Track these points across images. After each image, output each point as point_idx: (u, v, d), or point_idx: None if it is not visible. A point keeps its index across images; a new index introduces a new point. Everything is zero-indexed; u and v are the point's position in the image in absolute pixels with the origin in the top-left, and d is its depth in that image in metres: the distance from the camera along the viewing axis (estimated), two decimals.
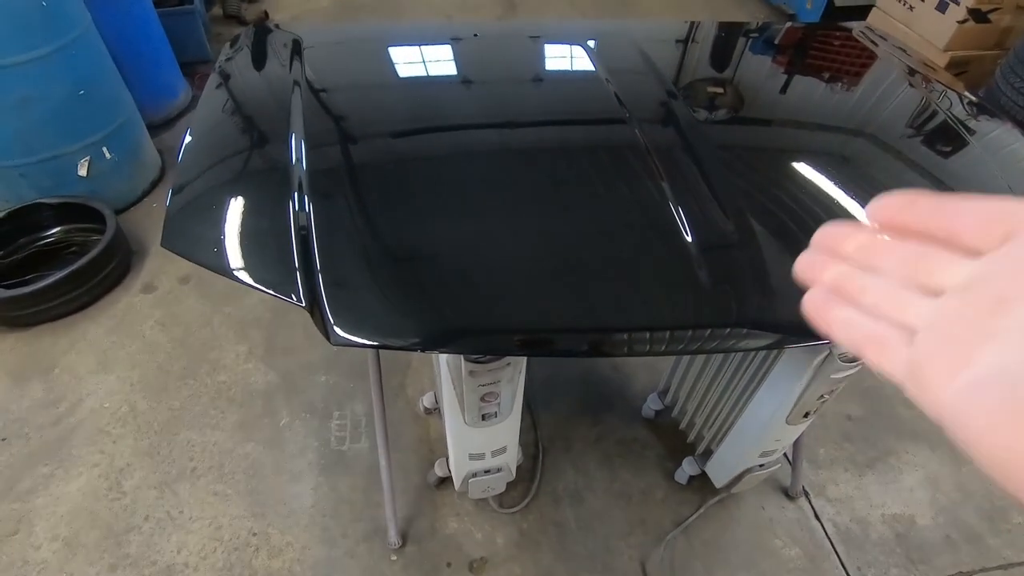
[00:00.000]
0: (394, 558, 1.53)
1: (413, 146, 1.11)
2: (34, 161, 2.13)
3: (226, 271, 0.87)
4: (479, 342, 0.85)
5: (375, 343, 0.79)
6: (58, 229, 2.27)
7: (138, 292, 2.18)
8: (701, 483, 1.67)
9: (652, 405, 1.84)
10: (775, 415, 1.31)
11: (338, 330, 0.78)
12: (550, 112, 1.24)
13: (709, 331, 0.84)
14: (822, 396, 1.25)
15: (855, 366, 1.15)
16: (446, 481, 1.64)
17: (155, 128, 2.81)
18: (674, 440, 1.78)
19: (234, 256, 0.90)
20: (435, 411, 1.84)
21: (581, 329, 0.85)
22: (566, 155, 1.12)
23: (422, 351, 0.85)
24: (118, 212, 2.31)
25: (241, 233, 0.94)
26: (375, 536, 1.56)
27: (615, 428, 1.83)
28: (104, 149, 2.29)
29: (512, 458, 1.46)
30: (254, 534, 1.56)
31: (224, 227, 0.95)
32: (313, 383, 1.91)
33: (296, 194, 0.94)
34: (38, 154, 2.13)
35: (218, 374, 1.93)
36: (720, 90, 1.41)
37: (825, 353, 1.12)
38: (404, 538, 1.55)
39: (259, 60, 1.39)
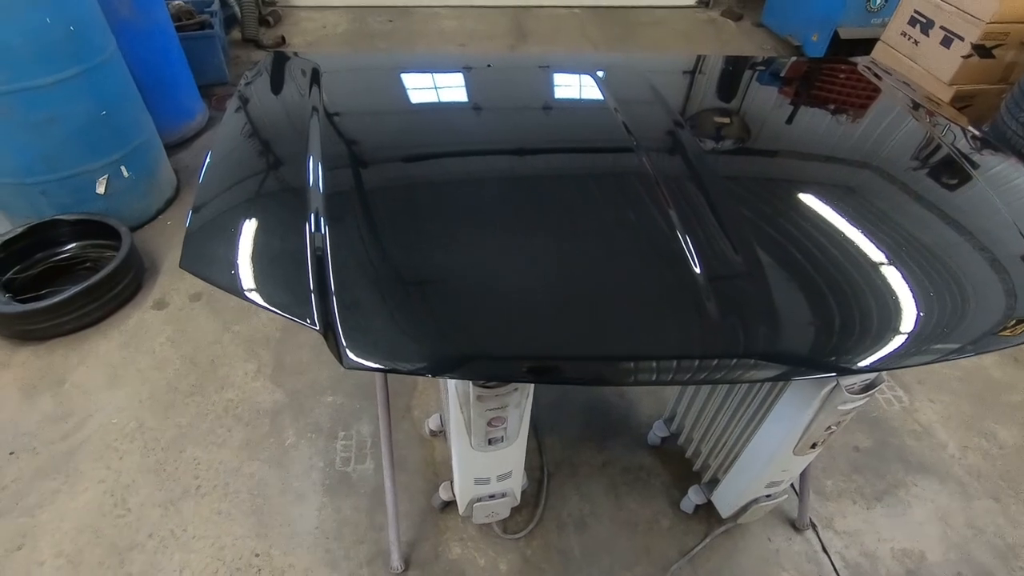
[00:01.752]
0: None
1: (427, 173, 1.14)
2: (55, 179, 2.18)
3: (243, 293, 0.89)
4: (488, 368, 0.86)
5: (387, 368, 0.80)
6: (74, 245, 2.31)
7: (150, 308, 2.21)
8: (707, 512, 1.66)
9: (658, 432, 1.83)
10: (782, 445, 1.31)
11: (351, 354, 0.79)
12: (561, 141, 1.27)
13: (716, 362, 0.85)
14: (829, 427, 1.25)
15: (863, 398, 1.15)
16: (450, 505, 1.63)
17: (172, 148, 2.87)
18: (680, 468, 1.77)
19: (251, 278, 0.92)
20: (440, 434, 1.84)
21: (589, 357, 0.86)
22: (576, 183, 1.15)
23: (432, 376, 0.86)
24: (133, 229, 2.35)
25: (258, 255, 0.96)
26: (378, 559, 1.55)
27: (621, 455, 1.83)
28: (122, 168, 2.34)
29: (517, 483, 1.46)
30: (256, 555, 1.55)
31: (242, 249, 0.97)
32: (320, 403, 1.92)
33: (313, 217, 0.97)
34: (59, 172, 2.18)
35: (226, 392, 1.94)
36: (727, 121, 1.44)
37: (832, 384, 1.12)
38: (407, 562, 1.54)
39: (278, 86, 1.44)
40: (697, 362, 0.85)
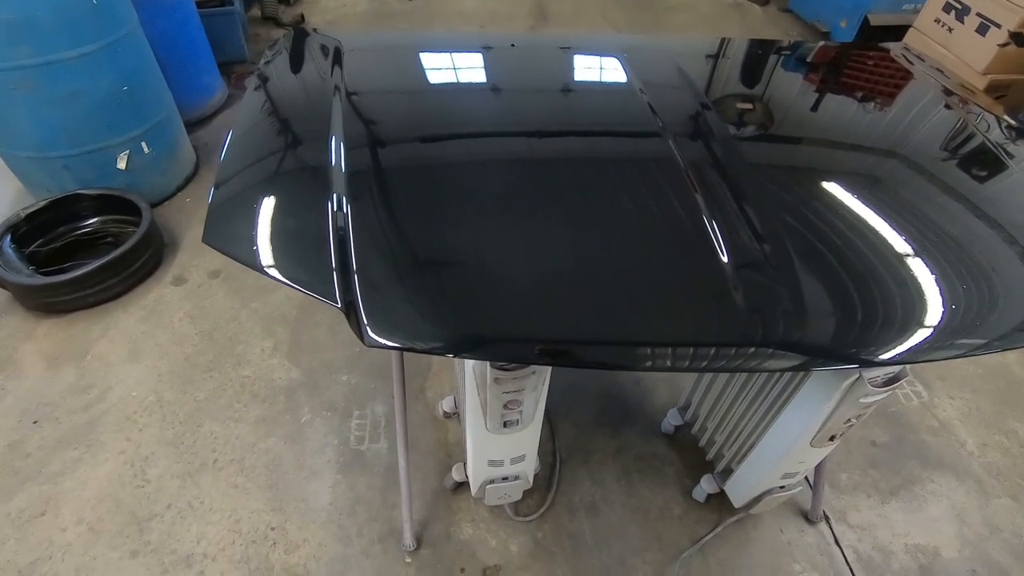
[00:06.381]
0: (408, 560, 1.53)
1: (450, 154, 1.13)
2: (77, 153, 2.20)
3: (265, 270, 0.89)
4: (509, 350, 0.85)
5: (407, 347, 0.80)
6: (95, 220, 2.33)
7: (169, 284, 2.24)
8: (719, 502, 1.65)
9: (672, 420, 1.82)
10: (800, 437, 1.30)
11: (372, 332, 0.79)
12: (585, 123, 1.25)
13: (743, 349, 0.84)
14: (849, 420, 1.23)
15: (886, 391, 1.13)
16: (463, 486, 1.64)
17: (191, 125, 2.88)
18: (693, 457, 1.76)
19: (273, 255, 0.92)
20: (454, 415, 1.84)
21: (610, 342, 0.85)
22: (600, 166, 1.13)
23: (453, 356, 0.86)
24: (153, 206, 2.37)
25: (280, 233, 0.96)
26: (390, 537, 1.57)
27: (634, 442, 1.82)
28: (143, 144, 2.35)
29: (530, 466, 1.46)
30: (272, 528, 1.58)
31: (264, 226, 0.97)
32: (335, 382, 1.93)
33: (335, 196, 0.96)
34: (82, 146, 2.20)
35: (243, 368, 1.96)
36: (755, 106, 1.41)
37: (855, 377, 1.10)
38: (419, 541, 1.56)
39: (300, 64, 1.43)
40: (721, 349, 0.84)
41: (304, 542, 1.56)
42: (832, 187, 1.15)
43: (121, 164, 2.31)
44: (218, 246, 0.94)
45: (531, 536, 1.60)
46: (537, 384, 1.19)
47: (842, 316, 0.90)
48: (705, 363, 0.85)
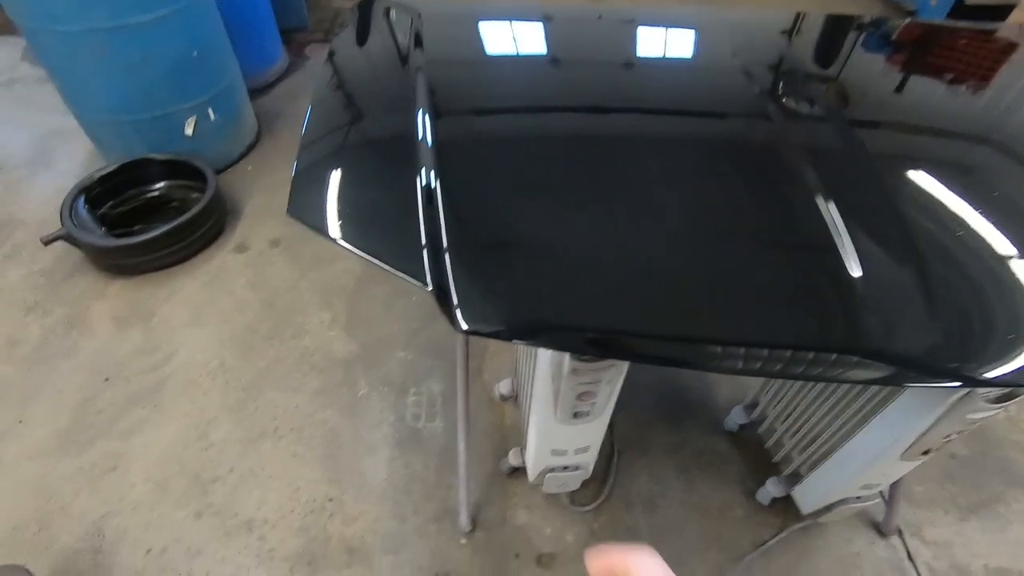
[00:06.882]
0: (463, 542, 1.53)
1: (545, 127, 1.07)
2: (148, 117, 2.23)
3: (350, 245, 0.85)
4: (613, 347, 0.80)
5: (504, 336, 0.76)
6: (162, 184, 2.38)
7: (231, 251, 2.26)
8: (784, 506, 1.59)
9: (736, 418, 1.75)
10: (888, 449, 1.21)
11: (466, 319, 0.75)
12: (690, 100, 1.16)
13: (859, 359, 0.76)
14: (949, 435, 1.14)
15: (999, 407, 1.04)
16: (519, 471, 1.62)
17: (253, 93, 2.89)
18: (757, 457, 1.69)
19: (359, 231, 0.89)
20: (511, 399, 1.82)
21: (720, 341, 0.79)
22: (706, 146, 1.05)
23: (555, 349, 0.81)
24: (216, 172, 2.39)
25: (364, 207, 0.93)
26: (445, 517, 1.57)
27: (695, 438, 1.76)
28: (210, 110, 2.37)
29: (592, 457, 1.43)
30: (330, 499, 1.59)
31: (347, 199, 0.94)
32: (392, 357, 1.93)
33: (424, 171, 0.92)
34: (152, 111, 2.22)
35: (302, 339, 1.97)
36: (865, 87, 1.29)
37: (965, 391, 1.01)
38: (474, 523, 1.55)
39: (377, 32, 1.38)
40: (841, 357, 0.77)
41: (360, 515, 1.57)
42: (965, 181, 1.04)
43: (188, 130, 2.33)
44: (303, 219, 0.91)
45: (587, 526, 1.57)
46: (614, 377, 1.14)
47: (975, 327, 0.82)
48: (830, 372, 0.78)
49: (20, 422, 1.73)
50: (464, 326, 0.75)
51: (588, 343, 0.81)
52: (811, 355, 0.78)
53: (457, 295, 0.77)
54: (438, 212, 0.86)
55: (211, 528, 1.53)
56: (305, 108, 1.10)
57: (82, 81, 2.13)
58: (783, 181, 0.96)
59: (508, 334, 0.77)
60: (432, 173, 0.91)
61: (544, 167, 0.97)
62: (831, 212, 0.89)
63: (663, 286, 0.84)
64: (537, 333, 0.78)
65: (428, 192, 0.89)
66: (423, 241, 0.83)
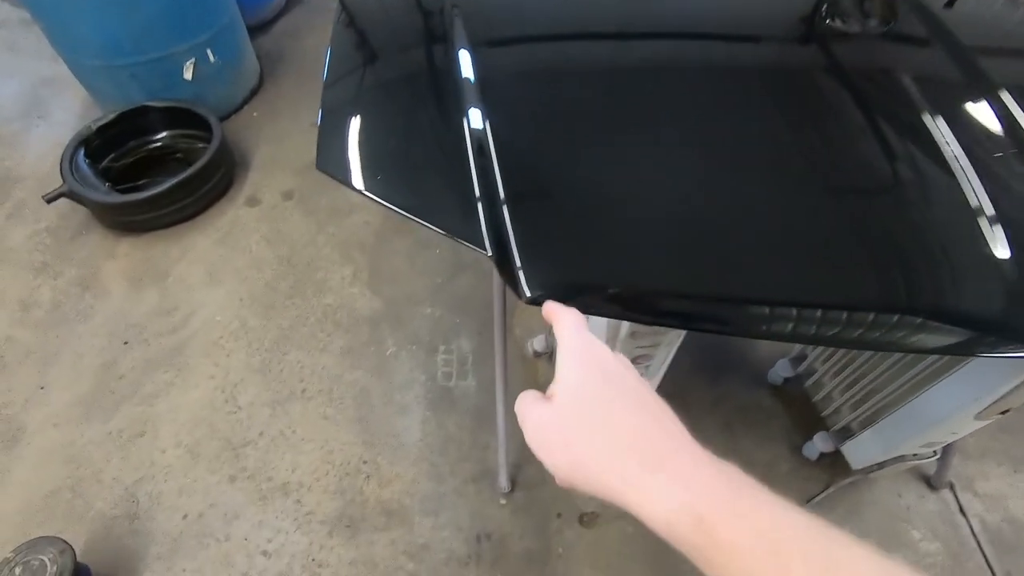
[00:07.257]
0: (503, 502, 1.50)
1: (601, 57, 0.93)
2: (143, 61, 2.07)
3: (395, 205, 0.75)
4: (702, 319, 0.71)
5: (577, 307, 0.66)
6: (165, 134, 2.24)
7: (243, 205, 2.15)
8: (831, 461, 1.54)
9: (781, 372, 1.68)
10: (962, 408, 1.14)
11: (531, 286, 0.66)
12: (778, 27, 1.00)
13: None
14: None
15: None
16: None
17: (252, 32, 2.68)
18: (803, 412, 1.63)
19: (401, 188, 0.78)
20: (544, 355, 1.75)
21: (835, 309, 0.69)
22: (800, 86, 0.91)
23: (637, 321, 0.72)
24: (220, 120, 2.25)
25: (405, 160, 0.82)
26: (483, 478, 1.53)
27: (736, 392, 1.70)
28: (209, 51, 2.19)
29: None
30: (364, 462, 1.56)
31: (388, 151, 0.83)
32: (418, 314, 1.85)
33: (470, 112, 0.80)
34: (147, 53, 2.06)
35: (324, 296, 1.89)
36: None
37: None
38: (513, 483, 1.51)
39: None
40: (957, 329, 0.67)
41: (397, 477, 1.53)
42: None
43: (187, 74, 2.17)
44: (335, 173, 0.80)
45: None
46: (672, 340, 1.07)
47: None
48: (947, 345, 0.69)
49: (42, 388, 1.68)
50: (528, 294, 0.66)
51: (672, 316, 0.72)
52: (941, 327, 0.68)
53: (520, 259, 0.68)
54: (491, 162, 0.75)
55: (246, 492, 1.51)
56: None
57: (69, 22, 1.96)
58: (896, 119, 0.84)
59: (582, 305, 0.68)
60: (480, 112, 0.79)
61: (601, 105, 0.84)
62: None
63: (754, 248, 0.74)
64: (615, 303, 0.69)
65: (478, 140, 0.77)
66: (476, 195, 0.72)
